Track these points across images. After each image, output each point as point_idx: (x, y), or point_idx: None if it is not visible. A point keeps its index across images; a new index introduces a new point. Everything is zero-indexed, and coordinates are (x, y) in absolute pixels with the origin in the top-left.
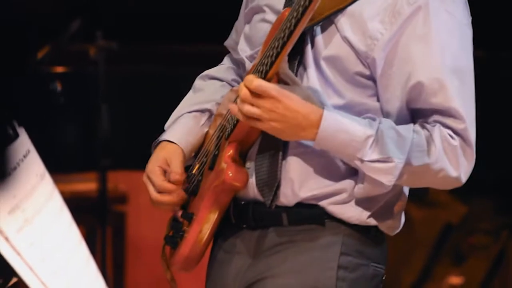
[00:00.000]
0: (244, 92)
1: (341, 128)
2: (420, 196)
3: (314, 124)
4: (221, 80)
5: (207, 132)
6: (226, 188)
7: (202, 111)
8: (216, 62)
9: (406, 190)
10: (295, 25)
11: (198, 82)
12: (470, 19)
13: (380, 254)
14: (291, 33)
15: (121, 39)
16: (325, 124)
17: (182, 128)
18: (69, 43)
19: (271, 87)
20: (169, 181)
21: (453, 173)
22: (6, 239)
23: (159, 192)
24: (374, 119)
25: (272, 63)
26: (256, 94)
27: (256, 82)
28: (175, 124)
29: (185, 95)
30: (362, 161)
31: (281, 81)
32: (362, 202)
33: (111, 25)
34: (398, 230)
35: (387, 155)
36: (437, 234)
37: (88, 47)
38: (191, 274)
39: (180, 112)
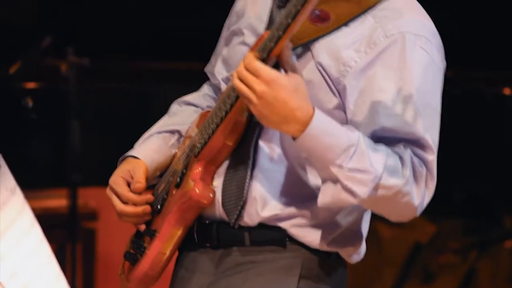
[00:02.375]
0: (240, 69)
1: (329, 131)
2: None
3: (299, 120)
4: (196, 106)
5: (175, 154)
6: (192, 205)
7: (172, 132)
8: (188, 79)
9: (367, 217)
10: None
11: (173, 107)
12: (444, 62)
13: (340, 280)
14: (297, 12)
15: (93, 56)
16: (314, 123)
17: (149, 146)
18: (41, 59)
19: (267, 71)
20: (132, 191)
21: (416, 200)
22: None
23: (124, 202)
24: (353, 130)
25: (278, 39)
26: (252, 72)
27: (254, 64)
28: (143, 142)
29: (156, 111)
30: (341, 167)
31: (281, 66)
32: (324, 227)
33: (82, 41)
34: (359, 259)
35: (366, 166)
36: (406, 253)
37: (59, 63)
38: None
39: (150, 133)
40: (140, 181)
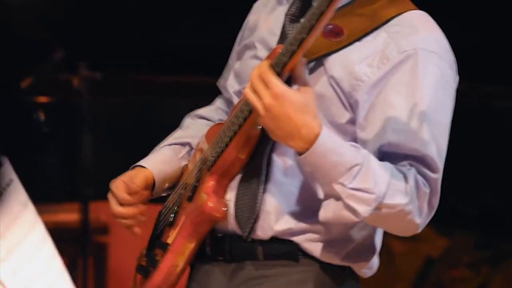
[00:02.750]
0: (254, 77)
1: (334, 149)
2: None
3: (304, 138)
4: (208, 120)
5: (185, 166)
6: (205, 218)
7: (183, 144)
8: (200, 93)
9: (380, 231)
10: (320, 14)
11: (186, 120)
12: (456, 78)
13: None
14: (312, 27)
15: (105, 70)
16: (320, 142)
17: (158, 157)
18: (53, 74)
19: (276, 85)
20: (128, 193)
21: (418, 219)
22: None
23: (121, 204)
24: (360, 148)
25: (292, 54)
26: (264, 83)
27: (267, 74)
28: (153, 153)
29: (169, 125)
30: (343, 186)
31: (294, 81)
32: (337, 241)
33: (94, 56)
34: (371, 273)
35: (370, 186)
36: (418, 268)
37: (72, 78)
38: None
39: (162, 145)
40: (137, 183)
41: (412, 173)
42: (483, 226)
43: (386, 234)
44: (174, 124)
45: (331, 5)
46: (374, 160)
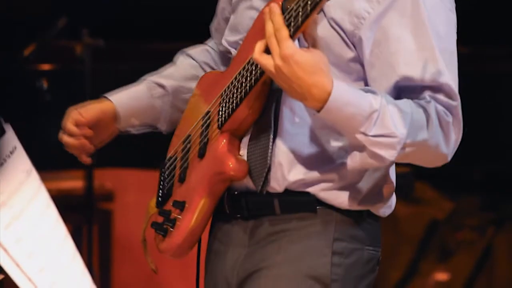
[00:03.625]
0: (268, 33)
1: (348, 101)
2: (406, 193)
3: (316, 97)
4: (194, 61)
5: (183, 114)
6: (224, 178)
7: (159, 85)
8: None
9: (392, 172)
10: None
11: (178, 57)
12: (454, 5)
13: (374, 237)
14: None
15: (107, 37)
16: (333, 98)
17: (128, 92)
18: (55, 41)
19: (287, 46)
20: (75, 124)
21: (444, 149)
22: None
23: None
24: (375, 93)
25: (304, 14)
26: (277, 40)
27: (280, 34)
28: (126, 87)
29: None
30: (366, 135)
31: (304, 39)
32: (352, 187)
33: (97, 23)
34: (390, 211)
35: (391, 130)
36: (423, 230)
37: (74, 45)
38: (178, 267)
39: (143, 78)
40: (85, 117)
41: (432, 105)
42: (488, 189)
43: None
44: None
45: None
46: (392, 102)
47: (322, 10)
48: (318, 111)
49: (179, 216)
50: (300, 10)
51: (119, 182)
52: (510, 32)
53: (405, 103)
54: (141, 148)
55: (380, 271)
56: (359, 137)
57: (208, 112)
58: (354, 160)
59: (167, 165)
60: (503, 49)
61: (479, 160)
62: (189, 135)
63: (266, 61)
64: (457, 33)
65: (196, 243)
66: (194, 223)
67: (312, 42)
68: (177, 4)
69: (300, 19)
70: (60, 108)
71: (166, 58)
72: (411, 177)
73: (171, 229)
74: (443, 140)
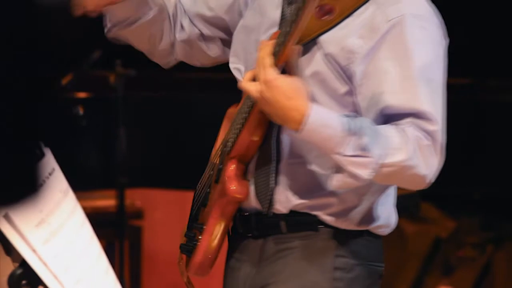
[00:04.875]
0: (257, 62)
1: (325, 123)
2: (413, 213)
3: (295, 120)
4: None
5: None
6: (230, 200)
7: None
8: (224, 88)
9: (392, 190)
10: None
11: None
12: (444, 37)
13: (375, 253)
14: (299, 11)
15: (138, 67)
16: (311, 121)
17: None
18: (91, 71)
19: (268, 72)
20: None
21: (423, 171)
22: (34, 250)
23: None
24: (354, 117)
25: (283, 43)
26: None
27: (265, 61)
28: None
29: (195, 118)
30: (342, 155)
31: (286, 67)
32: (352, 210)
33: (129, 54)
34: (390, 230)
35: (365, 151)
36: (428, 247)
37: (108, 75)
38: (206, 280)
39: None
40: None
41: (411, 129)
42: (488, 209)
43: (398, 217)
44: (201, 116)
45: (304, 12)
46: (369, 125)
47: (318, 45)
48: (299, 133)
49: (199, 237)
50: (281, 41)
51: (148, 201)
52: (508, 65)
53: (385, 127)
54: (168, 170)
55: (388, 285)
56: (336, 157)
57: (225, 140)
58: (336, 180)
59: (197, 190)
60: (502, 80)
61: (479, 183)
62: (213, 163)
63: (251, 87)
64: (461, 66)
65: (215, 260)
66: (210, 243)
67: (292, 70)
68: None
69: (279, 49)
70: (94, 133)
71: (191, 86)
72: (418, 198)
73: (193, 249)
74: (422, 162)
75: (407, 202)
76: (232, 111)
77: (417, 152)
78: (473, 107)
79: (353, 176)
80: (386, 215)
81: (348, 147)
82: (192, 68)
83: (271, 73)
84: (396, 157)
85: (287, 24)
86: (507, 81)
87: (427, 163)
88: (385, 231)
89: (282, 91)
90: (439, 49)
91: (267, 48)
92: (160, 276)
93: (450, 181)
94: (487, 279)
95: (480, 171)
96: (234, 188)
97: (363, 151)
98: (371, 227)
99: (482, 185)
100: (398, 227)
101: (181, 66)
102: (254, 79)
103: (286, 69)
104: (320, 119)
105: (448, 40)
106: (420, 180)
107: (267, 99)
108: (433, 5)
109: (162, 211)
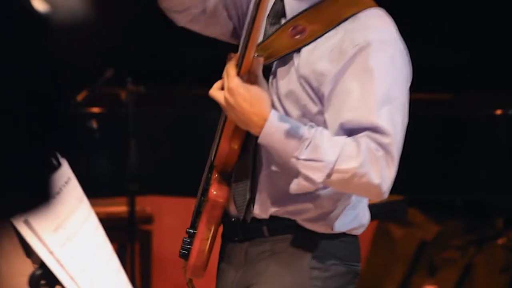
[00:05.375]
0: (224, 73)
1: (284, 129)
2: (400, 217)
3: (256, 124)
4: None
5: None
6: (213, 204)
7: None
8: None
9: (364, 202)
10: (255, 14)
11: None
12: (409, 65)
13: (351, 253)
14: (253, 20)
15: (147, 85)
16: (269, 125)
17: None
18: (104, 88)
19: (231, 81)
20: None
21: (375, 180)
22: (51, 253)
23: None
24: (311, 126)
25: (244, 55)
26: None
27: (229, 72)
28: None
29: (199, 131)
30: (297, 159)
31: (249, 76)
32: (328, 215)
33: (139, 73)
34: (364, 229)
35: (319, 155)
36: (414, 250)
37: (119, 91)
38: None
39: None
40: None
41: (364, 140)
42: (470, 214)
43: (386, 221)
44: (206, 130)
45: (254, 29)
46: (325, 134)
47: (292, 63)
48: (259, 137)
49: (192, 242)
50: (242, 53)
51: (157, 207)
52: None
53: (341, 137)
54: (175, 178)
55: (377, 285)
56: (293, 161)
57: (212, 150)
58: (294, 183)
59: (196, 201)
60: (480, 96)
61: (461, 190)
62: (206, 174)
63: (218, 95)
64: (443, 83)
65: (207, 262)
66: (200, 248)
67: (254, 79)
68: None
69: (241, 60)
70: (107, 145)
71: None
72: (405, 204)
73: (188, 254)
74: (373, 171)
75: (395, 207)
76: None
77: (369, 161)
78: (454, 122)
79: (308, 179)
80: (360, 217)
81: (303, 152)
82: (196, 86)
83: (235, 82)
84: (348, 163)
85: (246, 37)
86: (485, 97)
87: (379, 173)
88: (359, 231)
89: (244, 97)
90: (401, 71)
91: (233, 60)
92: (168, 276)
93: (435, 188)
94: (469, 279)
95: (462, 180)
96: (215, 192)
97: (317, 155)
98: (347, 230)
99: (464, 192)
100: (386, 231)
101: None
102: (222, 88)
103: (249, 78)
104: (279, 124)
105: (411, 67)
106: (375, 189)
107: (232, 105)
108: (398, 32)
109: (170, 216)
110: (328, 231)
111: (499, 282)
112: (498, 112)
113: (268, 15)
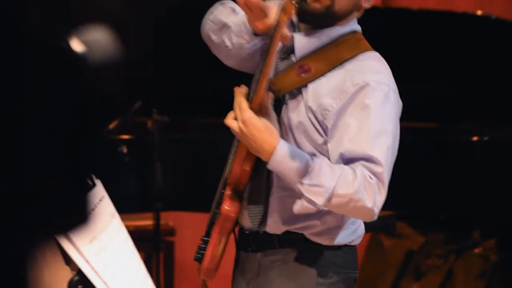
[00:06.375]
0: (234, 105)
1: (291, 156)
2: (390, 230)
3: (266, 151)
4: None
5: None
6: (225, 218)
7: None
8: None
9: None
10: (268, 55)
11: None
12: (400, 102)
13: (351, 262)
14: (265, 59)
15: (171, 115)
16: (278, 153)
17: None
18: (133, 118)
19: (245, 113)
20: None
21: (369, 204)
22: (87, 261)
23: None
24: (315, 155)
25: (256, 89)
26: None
27: (241, 105)
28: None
29: (220, 156)
30: (302, 183)
31: (262, 109)
32: (332, 229)
33: (163, 105)
34: (361, 239)
35: (320, 182)
36: (402, 258)
37: (146, 121)
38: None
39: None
40: None
41: (359, 169)
42: (451, 227)
43: (378, 233)
44: (223, 154)
45: (266, 67)
46: (326, 162)
47: (303, 99)
48: (268, 163)
49: (206, 248)
50: (254, 87)
51: (179, 221)
52: (464, 113)
53: (340, 165)
54: (195, 196)
55: None
56: (297, 185)
57: (226, 169)
58: (298, 204)
59: (211, 213)
60: (461, 124)
61: (444, 207)
62: (220, 189)
63: (233, 124)
64: (429, 113)
65: (218, 267)
66: (212, 253)
67: (265, 111)
68: (226, 86)
69: (252, 95)
70: (135, 167)
71: (212, 129)
72: (394, 218)
73: (202, 258)
74: (367, 196)
75: (386, 221)
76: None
77: (362, 187)
78: (438, 147)
79: (310, 202)
80: (359, 229)
81: (307, 178)
82: (217, 114)
83: (248, 114)
84: (346, 189)
85: (259, 74)
86: (464, 126)
87: (372, 198)
88: (357, 241)
89: (256, 127)
90: (393, 107)
91: (243, 93)
92: (189, 282)
93: (420, 205)
94: (450, 282)
95: (444, 198)
96: (227, 208)
97: (319, 181)
98: (347, 242)
99: (445, 208)
100: (378, 241)
101: (206, 112)
102: (235, 117)
103: (261, 110)
104: (287, 152)
105: (401, 103)
106: (368, 212)
107: (245, 134)
108: (391, 74)
109: (190, 229)
110: (331, 243)
111: (476, 287)
112: (475, 138)
113: (279, 50)
